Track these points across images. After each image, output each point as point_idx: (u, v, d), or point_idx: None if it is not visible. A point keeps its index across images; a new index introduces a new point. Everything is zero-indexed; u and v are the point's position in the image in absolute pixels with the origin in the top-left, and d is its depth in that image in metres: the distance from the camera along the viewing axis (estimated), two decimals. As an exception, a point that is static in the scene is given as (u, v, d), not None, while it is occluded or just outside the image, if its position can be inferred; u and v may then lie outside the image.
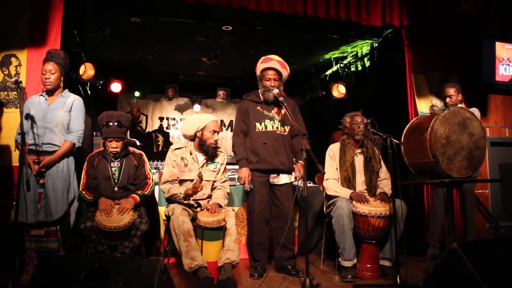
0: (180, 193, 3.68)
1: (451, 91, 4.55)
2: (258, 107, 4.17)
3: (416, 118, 4.02)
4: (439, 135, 3.47)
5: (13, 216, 3.27)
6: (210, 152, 3.87)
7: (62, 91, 3.83)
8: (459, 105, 4.52)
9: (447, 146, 3.48)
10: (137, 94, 9.53)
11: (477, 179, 4.43)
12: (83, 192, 3.75)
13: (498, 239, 4.33)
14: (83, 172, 3.82)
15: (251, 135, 4.15)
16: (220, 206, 3.76)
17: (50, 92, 3.77)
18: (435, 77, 5.47)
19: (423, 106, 5.36)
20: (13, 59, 4.18)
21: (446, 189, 3.66)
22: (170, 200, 3.84)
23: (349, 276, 3.82)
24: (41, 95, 3.78)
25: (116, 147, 3.79)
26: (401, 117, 5.59)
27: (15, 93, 4.07)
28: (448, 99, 4.55)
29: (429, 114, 3.91)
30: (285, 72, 4.17)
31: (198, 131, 3.83)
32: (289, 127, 4.21)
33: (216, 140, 3.81)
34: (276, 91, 3.99)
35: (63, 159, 3.70)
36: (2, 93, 4.15)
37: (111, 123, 3.73)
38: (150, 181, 3.92)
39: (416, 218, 5.29)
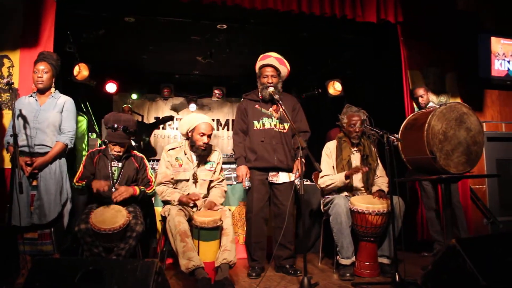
0: (174, 200, 3.67)
1: (421, 91, 4.78)
2: (256, 105, 4.15)
3: (412, 114, 4.00)
4: (437, 131, 3.45)
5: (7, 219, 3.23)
6: (199, 154, 3.84)
7: (53, 92, 3.80)
8: (431, 103, 4.67)
9: (445, 142, 3.46)
10: (134, 96, 9.48)
11: (474, 174, 4.41)
12: (76, 184, 3.71)
13: (496, 235, 4.33)
14: (81, 165, 3.80)
15: (250, 133, 4.14)
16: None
17: (40, 92, 3.74)
18: (431, 73, 5.46)
19: (420, 102, 5.34)
20: (5, 60, 4.14)
21: (444, 185, 3.64)
22: (166, 200, 3.81)
23: (348, 274, 3.80)
24: (31, 96, 3.75)
25: (119, 151, 3.79)
26: (398, 114, 5.59)
27: (8, 94, 4.03)
28: (420, 99, 4.76)
29: (425, 110, 3.89)
30: (284, 69, 4.14)
31: (189, 132, 3.80)
32: (288, 124, 4.18)
33: (205, 143, 3.75)
34: (271, 89, 3.97)
35: (55, 160, 3.68)
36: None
37: (117, 127, 3.71)
38: (153, 184, 3.91)
39: (414, 215, 5.27)
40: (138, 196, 3.76)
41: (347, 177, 4.03)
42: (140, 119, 9.76)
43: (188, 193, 3.73)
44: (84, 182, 3.68)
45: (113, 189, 3.73)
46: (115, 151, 3.78)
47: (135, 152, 4.02)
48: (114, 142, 3.76)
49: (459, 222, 4.56)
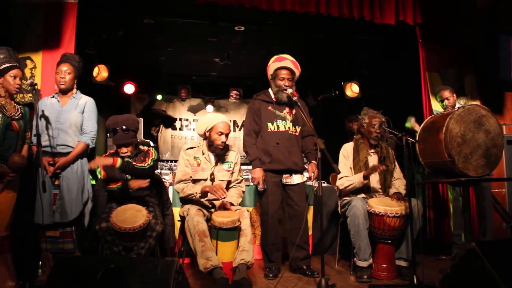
0: (196, 193, 3.68)
1: (446, 93, 4.68)
2: (270, 107, 4.16)
3: (430, 117, 3.99)
4: (455, 134, 3.43)
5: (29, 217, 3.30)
6: (217, 153, 3.86)
7: (75, 93, 3.87)
8: (457, 105, 4.57)
9: (463, 145, 3.44)
10: (159, 97, 9.56)
11: (494, 178, 4.37)
12: (108, 187, 3.76)
13: (516, 238, 4.27)
14: (101, 169, 3.83)
15: (263, 135, 4.14)
16: (232, 204, 3.77)
17: (63, 93, 3.82)
18: (450, 75, 5.41)
19: (438, 104, 5.29)
20: (28, 62, 4.22)
21: (462, 188, 3.61)
22: (185, 200, 3.83)
23: (365, 276, 3.79)
24: (53, 96, 3.83)
25: (126, 152, 3.81)
26: (416, 116, 5.56)
27: (30, 95, 4.10)
28: (446, 101, 4.67)
29: (443, 112, 3.87)
30: (298, 72, 4.16)
31: (207, 131, 3.82)
32: (300, 127, 4.19)
33: (223, 142, 3.76)
34: (290, 91, 3.97)
35: (77, 160, 3.75)
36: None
37: (118, 130, 3.75)
38: (149, 160, 3.80)
39: (432, 218, 5.23)
40: (121, 166, 3.60)
41: (365, 177, 4.02)
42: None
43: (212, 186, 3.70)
44: (120, 184, 3.73)
45: (130, 190, 3.80)
46: (122, 153, 3.80)
47: (144, 147, 4.01)
48: (119, 145, 3.79)
49: (487, 226, 4.49)
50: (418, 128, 4.11)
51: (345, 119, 6.86)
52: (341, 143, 4.47)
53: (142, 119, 6.63)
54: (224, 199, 3.71)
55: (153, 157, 3.89)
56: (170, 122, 9.78)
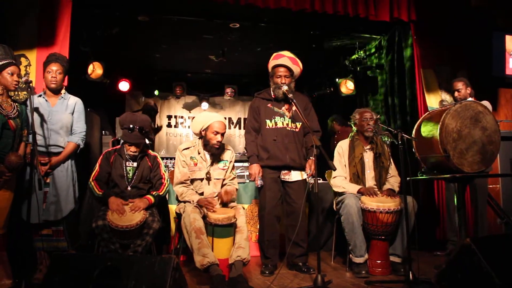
0: (193, 201, 3.71)
1: (459, 84, 4.57)
2: (269, 104, 4.17)
3: (428, 112, 3.99)
4: (450, 130, 3.44)
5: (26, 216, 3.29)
6: (213, 152, 3.87)
7: (63, 93, 3.87)
8: (469, 99, 4.47)
9: (459, 141, 3.44)
10: (156, 93, 9.52)
11: (489, 174, 4.39)
12: (92, 183, 3.75)
13: (511, 234, 4.30)
14: (97, 164, 3.84)
15: (262, 132, 4.16)
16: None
17: (52, 93, 3.81)
18: (444, 72, 5.43)
19: (433, 101, 5.32)
20: (22, 59, 4.19)
21: (457, 184, 3.62)
22: (181, 198, 3.85)
23: (363, 272, 3.82)
24: (40, 95, 3.81)
25: (135, 152, 3.82)
26: (411, 113, 5.58)
27: (25, 93, 4.09)
28: (456, 93, 4.57)
29: (440, 108, 3.88)
30: (297, 68, 4.15)
31: (203, 130, 3.83)
32: (300, 123, 4.19)
33: (218, 141, 3.78)
34: (285, 88, 3.98)
35: (67, 160, 3.77)
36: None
37: (133, 128, 3.75)
38: (165, 181, 3.93)
39: (427, 214, 5.25)
40: (154, 203, 3.78)
41: (360, 192, 4.04)
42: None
43: (206, 198, 3.74)
44: (101, 192, 3.71)
45: (129, 188, 3.79)
46: (131, 151, 3.81)
47: (149, 151, 4.05)
48: (130, 143, 3.79)
49: (479, 224, 4.51)
50: None
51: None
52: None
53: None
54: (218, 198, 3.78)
55: (164, 169, 3.99)
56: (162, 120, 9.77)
